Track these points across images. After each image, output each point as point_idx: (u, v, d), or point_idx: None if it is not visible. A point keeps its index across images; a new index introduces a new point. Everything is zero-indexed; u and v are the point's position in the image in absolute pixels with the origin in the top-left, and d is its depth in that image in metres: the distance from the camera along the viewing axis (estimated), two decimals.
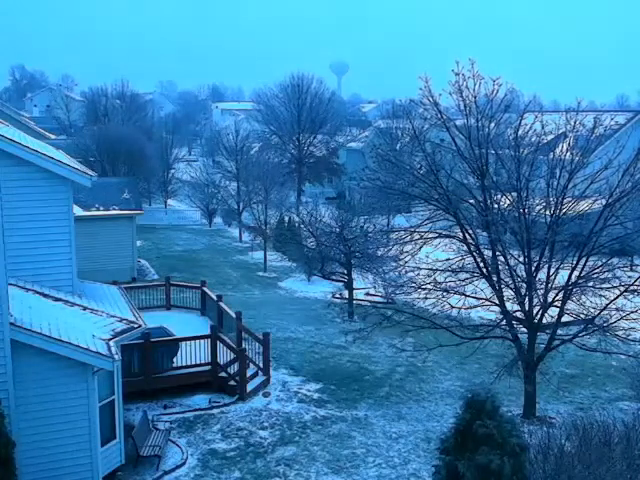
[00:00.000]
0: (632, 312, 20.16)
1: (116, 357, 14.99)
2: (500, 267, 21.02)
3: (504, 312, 21.25)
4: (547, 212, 20.87)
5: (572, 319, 21.30)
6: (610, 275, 20.53)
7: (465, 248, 21.52)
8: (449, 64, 20.62)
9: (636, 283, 20.29)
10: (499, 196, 21.49)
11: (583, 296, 20.68)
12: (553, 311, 21.01)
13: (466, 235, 21.23)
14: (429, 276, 21.37)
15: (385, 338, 27.59)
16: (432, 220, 22.15)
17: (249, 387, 22.25)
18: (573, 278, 20.54)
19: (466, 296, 21.16)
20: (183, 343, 22.28)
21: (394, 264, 24.35)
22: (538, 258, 20.73)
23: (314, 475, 17.62)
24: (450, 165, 22.03)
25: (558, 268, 20.70)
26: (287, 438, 19.59)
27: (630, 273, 21.54)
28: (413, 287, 21.59)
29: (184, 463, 18.07)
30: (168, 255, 46.66)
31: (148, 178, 62.34)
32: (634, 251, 25.42)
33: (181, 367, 22.03)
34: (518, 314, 21.29)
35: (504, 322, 21.41)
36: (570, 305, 20.90)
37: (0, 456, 13.08)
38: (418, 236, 22.02)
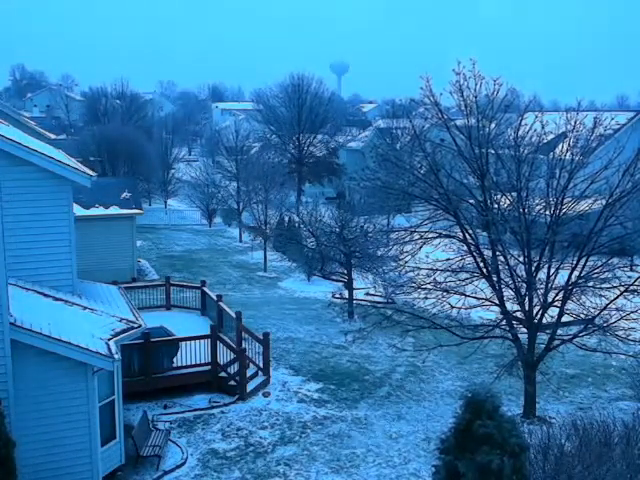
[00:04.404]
0: (632, 312, 20.16)
1: (116, 357, 14.99)
2: (500, 267, 21.02)
3: (504, 312, 21.25)
4: (547, 212, 20.87)
5: (572, 319, 21.30)
6: (610, 275, 20.53)
7: (465, 248, 21.52)
8: (449, 64, 20.61)
9: (636, 283, 20.30)
10: (499, 196, 21.49)
11: (583, 296, 20.68)
12: (553, 311, 21.01)
13: (466, 235, 21.23)
14: (429, 276, 21.36)
15: (385, 338, 27.59)
16: (432, 220, 22.14)
17: (249, 387, 22.25)
18: (573, 278, 20.55)
19: (466, 296, 21.16)
20: (183, 343, 22.28)
21: (394, 264, 24.35)
22: (538, 258, 20.72)
23: (314, 475, 17.62)
24: (450, 165, 22.03)
25: (558, 268, 20.69)
26: (287, 438, 19.59)
27: (630, 273, 21.56)
28: (413, 287, 21.59)
29: (184, 463, 18.07)
30: (168, 255, 46.66)
31: (148, 178, 62.31)
32: (634, 251, 25.44)
33: (181, 367, 22.03)
34: (518, 314, 21.29)
35: (504, 322, 21.41)
36: (570, 305, 20.90)
37: (0, 456, 13.09)
38: (418, 236, 22.01)
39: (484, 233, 21.68)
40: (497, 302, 21.21)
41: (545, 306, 20.72)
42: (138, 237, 40.79)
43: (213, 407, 21.31)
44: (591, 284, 20.47)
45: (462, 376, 25.03)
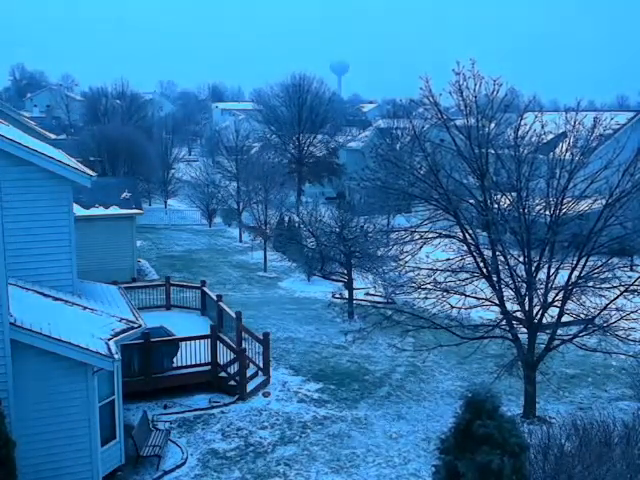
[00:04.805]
0: (632, 312, 20.16)
1: (116, 357, 14.99)
2: (500, 267, 21.01)
3: (504, 312, 21.24)
4: (547, 212, 20.87)
5: (572, 319, 21.30)
6: (610, 275, 20.53)
7: (465, 248, 21.52)
8: (449, 64, 20.62)
9: (636, 283, 20.29)
10: (499, 196, 21.49)
11: (583, 296, 20.68)
12: (553, 311, 21.01)
13: (466, 235, 21.23)
14: (429, 276, 21.36)
15: (385, 338, 27.58)
16: (432, 220, 22.14)
17: (249, 387, 22.25)
18: (573, 278, 20.54)
19: (466, 296, 21.16)
20: (183, 343, 22.28)
21: (394, 264, 24.35)
22: (538, 258, 20.72)
23: (314, 475, 17.62)
24: (450, 165, 22.03)
25: (558, 268, 20.69)
26: (287, 438, 19.59)
27: (630, 273, 21.57)
28: (413, 287, 21.58)
29: (184, 463, 18.07)
30: (168, 255, 46.66)
31: (148, 178, 62.30)
32: (634, 251, 25.44)
33: (181, 367, 22.03)
34: (518, 314, 21.29)
35: (504, 322, 21.41)
36: (570, 305, 20.90)
37: (0, 456, 13.08)
38: (418, 236, 22.01)
39: (484, 233, 21.68)
40: (497, 302, 21.21)
41: (545, 306, 20.72)
42: (138, 237, 40.79)
43: (213, 407, 21.31)
44: (591, 284, 20.47)
45: (462, 376, 25.03)
